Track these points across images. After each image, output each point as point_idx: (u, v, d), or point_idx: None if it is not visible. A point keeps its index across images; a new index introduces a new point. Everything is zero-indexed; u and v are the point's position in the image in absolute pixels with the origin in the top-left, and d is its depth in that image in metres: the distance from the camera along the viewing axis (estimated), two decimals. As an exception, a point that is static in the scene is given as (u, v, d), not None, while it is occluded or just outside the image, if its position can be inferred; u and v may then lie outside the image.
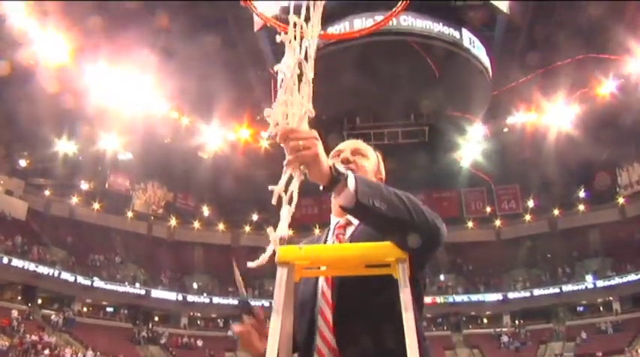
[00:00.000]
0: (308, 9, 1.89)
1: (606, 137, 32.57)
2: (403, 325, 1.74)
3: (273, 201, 1.69)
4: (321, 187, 1.74)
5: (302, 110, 1.77)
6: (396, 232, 1.72)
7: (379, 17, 19.66)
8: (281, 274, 1.82)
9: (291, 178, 1.70)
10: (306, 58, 1.86)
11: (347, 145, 2.41)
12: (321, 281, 1.98)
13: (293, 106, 1.75)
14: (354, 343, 1.87)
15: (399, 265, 1.75)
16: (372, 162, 2.38)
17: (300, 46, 1.83)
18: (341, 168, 1.73)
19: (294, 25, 1.82)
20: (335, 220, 2.20)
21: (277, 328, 1.68)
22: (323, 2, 1.94)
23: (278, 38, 1.85)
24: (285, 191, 1.69)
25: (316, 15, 1.91)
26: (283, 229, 1.67)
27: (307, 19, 1.87)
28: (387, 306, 1.80)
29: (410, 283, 1.75)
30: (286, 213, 1.68)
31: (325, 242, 2.16)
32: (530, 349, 37.21)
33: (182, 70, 27.50)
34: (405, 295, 1.80)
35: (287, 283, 1.80)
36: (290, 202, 1.68)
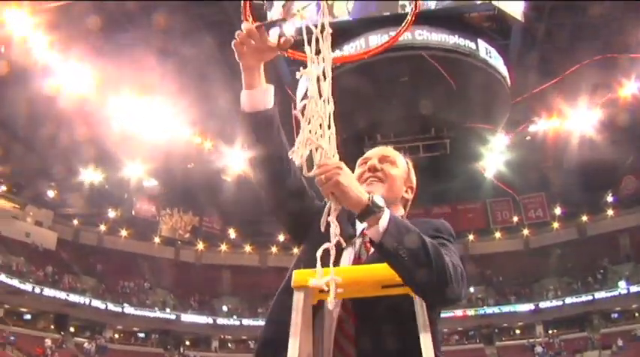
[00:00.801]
0: (318, 40, 1.96)
1: (631, 140, 32.15)
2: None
3: (322, 229, 1.75)
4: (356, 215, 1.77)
5: (324, 144, 1.82)
6: (410, 283, 1.75)
7: (394, 33, 19.76)
8: (297, 297, 1.86)
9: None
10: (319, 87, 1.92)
11: (375, 153, 2.40)
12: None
13: (316, 141, 1.80)
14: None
15: (416, 286, 1.79)
16: (401, 170, 2.36)
17: (318, 80, 1.90)
18: (380, 201, 1.75)
19: (312, 60, 1.89)
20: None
21: (295, 352, 1.71)
22: (331, 31, 2.01)
23: (298, 74, 1.92)
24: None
25: (326, 45, 1.98)
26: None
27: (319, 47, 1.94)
28: (407, 320, 1.83)
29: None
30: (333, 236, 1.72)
31: (350, 239, 2.12)
32: (565, 359, 36.58)
33: (204, 95, 27.78)
34: (422, 316, 1.83)
35: (304, 307, 1.84)
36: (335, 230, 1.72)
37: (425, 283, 1.72)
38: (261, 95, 2.11)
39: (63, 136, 27.55)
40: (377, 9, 20.26)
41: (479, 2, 21.11)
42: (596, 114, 28.09)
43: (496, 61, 21.68)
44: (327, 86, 1.88)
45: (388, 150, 2.42)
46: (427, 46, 19.98)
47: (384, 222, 1.70)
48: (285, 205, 2.27)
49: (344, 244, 1.83)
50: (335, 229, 1.72)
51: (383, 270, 1.77)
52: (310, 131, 1.79)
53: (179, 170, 35.21)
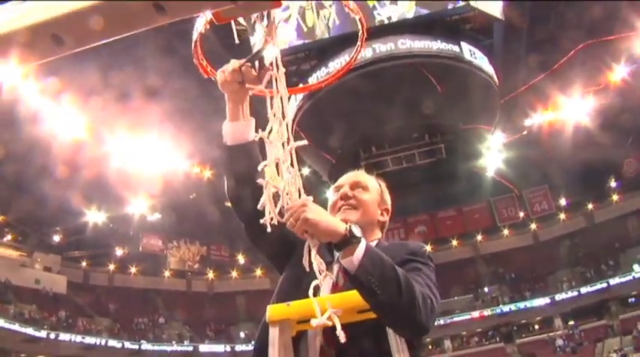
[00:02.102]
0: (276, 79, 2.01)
1: (627, 123, 32.07)
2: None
3: (307, 268, 1.77)
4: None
5: (287, 188, 1.84)
6: (379, 314, 1.79)
7: (377, 44, 19.89)
8: (273, 333, 1.90)
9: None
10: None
11: (346, 180, 2.41)
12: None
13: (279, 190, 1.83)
14: None
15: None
16: (373, 194, 2.37)
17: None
18: (357, 232, 1.77)
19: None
20: None
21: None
22: (284, 70, 2.06)
23: (257, 136, 1.96)
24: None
25: (282, 85, 2.02)
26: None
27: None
28: (384, 342, 1.88)
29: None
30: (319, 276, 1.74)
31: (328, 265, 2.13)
32: (587, 349, 36.13)
33: (198, 126, 27.86)
34: (394, 338, 1.87)
35: (280, 341, 1.87)
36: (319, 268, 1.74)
37: (393, 316, 1.78)
38: (244, 128, 2.17)
39: (63, 180, 27.62)
40: (353, 25, 20.29)
41: (459, 4, 21.15)
42: (589, 101, 28.11)
43: (481, 61, 21.73)
44: (285, 127, 1.92)
45: (359, 175, 2.45)
46: (411, 54, 20.07)
47: (359, 253, 1.72)
48: (265, 237, 2.31)
49: (332, 278, 1.86)
50: (320, 266, 1.73)
51: (357, 296, 1.79)
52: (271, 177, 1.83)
53: (181, 202, 35.31)
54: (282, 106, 1.94)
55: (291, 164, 1.88)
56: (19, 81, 22.75)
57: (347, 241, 1.74)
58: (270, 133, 1.88)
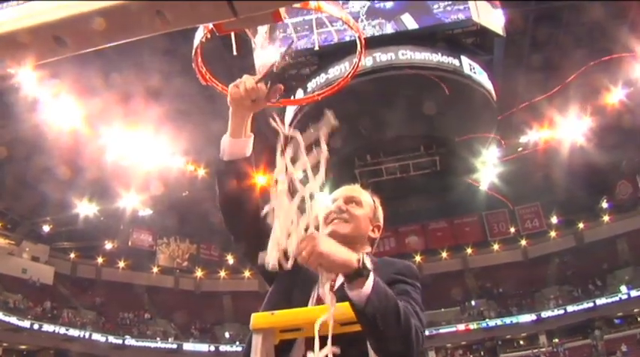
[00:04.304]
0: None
1: (622, 146, 32.24)
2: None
3: (325, 300, 1.75)
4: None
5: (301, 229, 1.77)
6: (374, 345, 1.80)
7: (378, 53, 19.93)
8: (256, 341, 1.91)
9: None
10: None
11: (341, 194, 2.43)
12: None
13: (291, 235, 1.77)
14: None
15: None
16: (366, 210, 2.39)
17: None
18: (368, 263, 1.75)
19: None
20: None
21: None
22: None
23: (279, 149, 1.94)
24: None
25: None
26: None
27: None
28: (367, 354, 1.88)
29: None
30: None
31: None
32: (570, 368, 36.35)
33: (194, 124, 27.87)
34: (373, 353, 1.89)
35: (262, 349, 1.89)
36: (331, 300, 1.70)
37: (385, 346, 1.78)
38: (243, 144, 2.17)
39: (56, 171, 27.55)
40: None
41: (461, 19, 21.19)
42: (586, 121, 28.24)
43: (480, 76, 21.79)
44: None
45: (354, 190, 2.47)
46: (411, 65, 20.10)
47: (367, 288, 1.71)
48: (256, 250, 2.32)
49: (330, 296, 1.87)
50: (332, 300, 1.71)
51: (341, 309, 1.77)
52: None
53: (174, 199, 35.26)
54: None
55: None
56: (16, 69, 22.59)
57: (359, 274, 1.72)
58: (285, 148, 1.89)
